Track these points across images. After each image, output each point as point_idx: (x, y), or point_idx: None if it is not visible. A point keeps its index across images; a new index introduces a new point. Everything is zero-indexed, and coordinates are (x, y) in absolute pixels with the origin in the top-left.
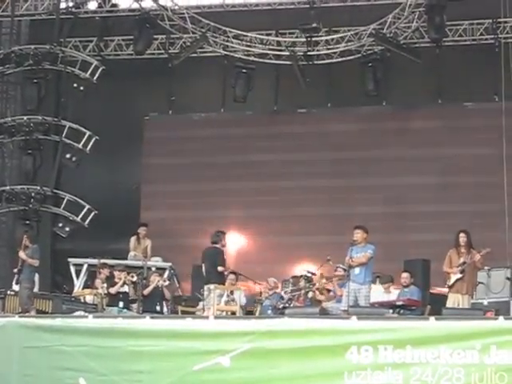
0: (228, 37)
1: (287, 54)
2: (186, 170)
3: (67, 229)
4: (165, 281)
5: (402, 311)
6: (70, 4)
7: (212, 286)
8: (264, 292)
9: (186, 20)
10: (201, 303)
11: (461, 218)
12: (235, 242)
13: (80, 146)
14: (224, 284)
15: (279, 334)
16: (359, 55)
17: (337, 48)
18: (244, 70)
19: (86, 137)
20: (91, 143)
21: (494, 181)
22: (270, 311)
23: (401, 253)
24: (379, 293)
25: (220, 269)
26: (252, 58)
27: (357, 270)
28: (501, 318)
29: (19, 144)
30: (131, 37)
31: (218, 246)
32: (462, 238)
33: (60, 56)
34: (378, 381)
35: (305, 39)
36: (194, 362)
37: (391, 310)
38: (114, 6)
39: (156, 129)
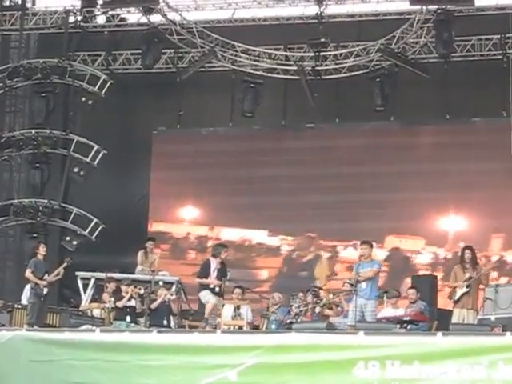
0: (236, 51)
1: (295, 68)
2: (194, 184)
3: (75, 242)
4: (172, 295)
5: (409, 326)
6: (79, 18)
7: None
8: (270, 307)
9: (195, 34)
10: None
11: (468, 233)
12: None
13: (88, 159)
14: (218, 296)
15: (286, 348)
16: (367, 70)
17: (345, 63)
18: (252, 85)
19: (94, 151)
20: (99, 157)
21: (502, 196)
22: (273, 326)
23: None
24: (386, 308)
25: (197, 280)
26: (260, 73)
27: (363, 285)
28: (508, 333)
29: (27, 158)
30: (140, 51)
31: (216, 259)
32: (467, 254)
33: (68, 70)
34: None
35: (313, 54)
36: (201, 376)
37: (398, 325)
38: (123, 20)
39: (164, 143)
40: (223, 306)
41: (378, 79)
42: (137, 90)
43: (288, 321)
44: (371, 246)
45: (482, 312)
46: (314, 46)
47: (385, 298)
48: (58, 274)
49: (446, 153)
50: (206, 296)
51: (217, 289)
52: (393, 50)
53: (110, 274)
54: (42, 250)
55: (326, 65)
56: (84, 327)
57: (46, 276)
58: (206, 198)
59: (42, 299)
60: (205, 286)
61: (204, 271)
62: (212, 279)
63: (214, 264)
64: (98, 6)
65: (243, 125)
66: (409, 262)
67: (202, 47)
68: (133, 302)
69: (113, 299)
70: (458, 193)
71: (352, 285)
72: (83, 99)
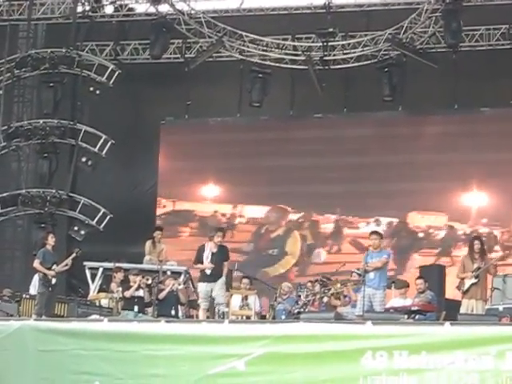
0: (244, 41)
1: (303, 58)
2: (201, 174)
3: (82, 232)
4: (180, 284)
5: (417, 316)
6: (87, 8)
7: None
8: (278, 296)
9: (203, 24)
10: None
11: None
12: None
13: (96, 149)
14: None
15: (294, 338)
16: (375, 60)
17: (353, 53)
18: (260, 75)
19: (101, 140)
20: (107, 147)
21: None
22: (283, 316)
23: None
24: (394, 298)
25: (194, 266)
26: (268, 63)
27: (372, 275)
28: None
29: (35, 147)
30: (148, 41)
31: (211, 243)
32: (477, 245)
33: (76, 60)
34: None
35: (321, 44)
36: (209, 366)
37: (406, 316)
38: (131, 10)
39: (172, 133)
40: (231, 296)
41: (386, 69)
42: (145, 80)
43: (296, 311)
44: (381, 237)
45: (490, 302)
46: (322, 36)
47: (393, 287)
48: (66, 265)
49: (455, 143)
50: (200, 297)
51: (209, 271)
52: (401, 39)
53: (117, 264)
54: (51, 240)
55: (334, 55)
56: (92, 317)
57: (54, 266)
58: (214, 187)
59: (50, 289)
60: (200, 274)
61: (198, 256)
62: (205, 264)
63: (209, 248)
64: None
65: (251, 115)
66: (417, 238)
67: (209, 37)
68: (141, 292)
69: (121, 289)
70: (464, 182)
71: (360, 275)
72: (91, 89)
